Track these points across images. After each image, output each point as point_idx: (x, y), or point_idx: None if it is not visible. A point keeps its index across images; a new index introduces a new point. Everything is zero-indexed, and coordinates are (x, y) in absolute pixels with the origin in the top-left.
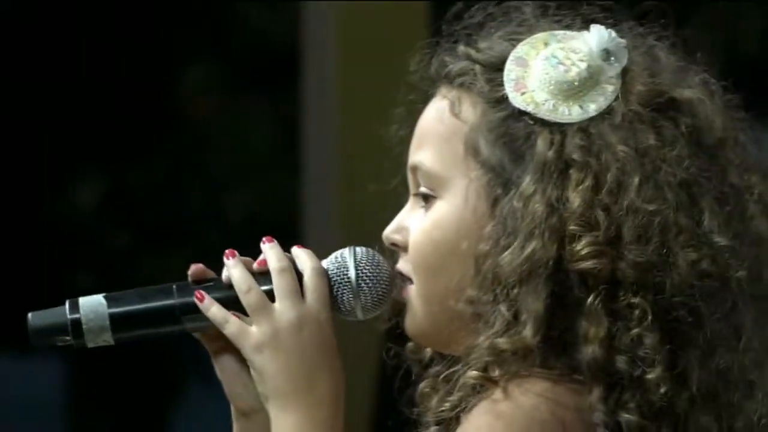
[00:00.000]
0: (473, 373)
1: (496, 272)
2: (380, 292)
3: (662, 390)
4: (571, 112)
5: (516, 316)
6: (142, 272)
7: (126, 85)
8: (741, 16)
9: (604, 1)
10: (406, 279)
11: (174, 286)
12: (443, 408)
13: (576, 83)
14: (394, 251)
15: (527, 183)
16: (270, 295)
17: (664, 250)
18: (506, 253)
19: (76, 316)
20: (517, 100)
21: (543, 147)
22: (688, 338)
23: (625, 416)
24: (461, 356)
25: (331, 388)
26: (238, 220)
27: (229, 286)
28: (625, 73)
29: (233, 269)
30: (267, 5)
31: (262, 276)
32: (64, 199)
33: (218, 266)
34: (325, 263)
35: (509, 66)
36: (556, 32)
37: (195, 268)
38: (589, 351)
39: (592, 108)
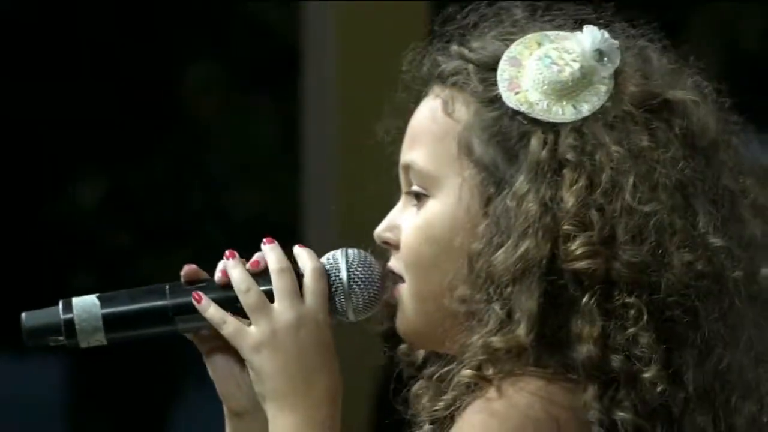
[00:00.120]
0: (467, 371)
1: (490, 271)
2: (372, 294)
3: (658, 389)
4: (565, 112)
5: (510, 315)
6: (142, 272)
7: (126, 84)
8: (741, 16)
9: (594, 2)
10: (397, 277)
11: (167, 287)
12: (437, 407)
13: (569, 83)
14: (385, 250)
15: (521, 182)
16: (269, 296)
17: (659, 251)
18: (500, 251)
19: (69, 316)
20: (511, 100)
21: (536, 146)
22: (683, 338)
23: (621, 415)
24: (455, 355)
25: (328, 388)
26: (238, 219)
27: (223, 287)
28: (617, 74)
29: (233, 269)
30: (268, 5)
31: (262, 276)
32: (64, 199)
33: (216, 267)
34: None
35: (503, 66)
36: (549, 32)
37: (188, 269)
38: (584, 350)
39: (586, 108)
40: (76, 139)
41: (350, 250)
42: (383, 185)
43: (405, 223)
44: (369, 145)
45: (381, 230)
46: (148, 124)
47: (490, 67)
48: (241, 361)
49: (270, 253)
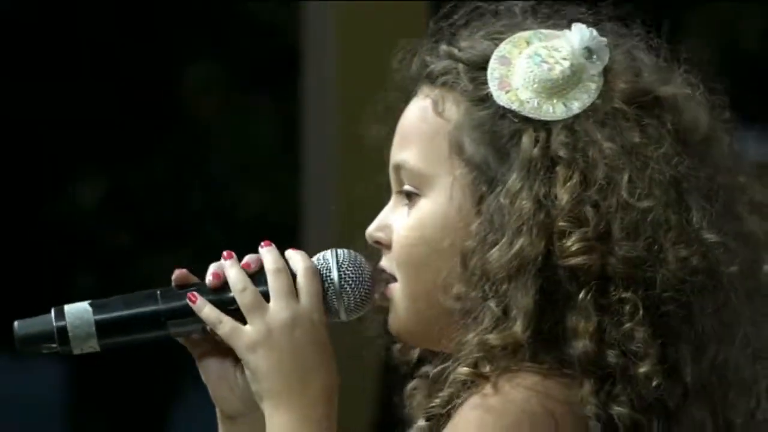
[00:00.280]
0: (464, 369)
1: (485, 268)
2: (363, 294)
3: (653, 383)
4: (555, 110)
5: (506, 312)
6: (142, 272)
7: (127, 84)
8: (741, 16)
9: (593, 2)
10: (389, 277)
11: (158, 292)
12: (433, 404)
13: (560, 81)
14: (378, 249)
15: (513, 180)
16: (265, 296)
17: (655, 246)
18: (494, 249)
19: (62, 323)
20: (502, 99)
21: (528, 144)
22: (679, 333)
23: (617, 409)
24: (450, 353)
25: (324, 387)
26: (239, 219)
27: (214, 290)
28: (607, 71)
29: (230, 269)
30: (268, 5)
31: (256, 277)
32: (64, 199)
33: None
34: None
35: (492, 64)
36: (538, 31)
37: (178, 273)
38: (580, 345)
39: (576, 106)
40: (76, 139)
41: (340, 251)
42: (383, 185)
43: (396, 222)
44: (369, 145)
45: (372, 230)
46: (148, 124)
47: (479, 66)
48: (233, 364)
49: (267, 254)
